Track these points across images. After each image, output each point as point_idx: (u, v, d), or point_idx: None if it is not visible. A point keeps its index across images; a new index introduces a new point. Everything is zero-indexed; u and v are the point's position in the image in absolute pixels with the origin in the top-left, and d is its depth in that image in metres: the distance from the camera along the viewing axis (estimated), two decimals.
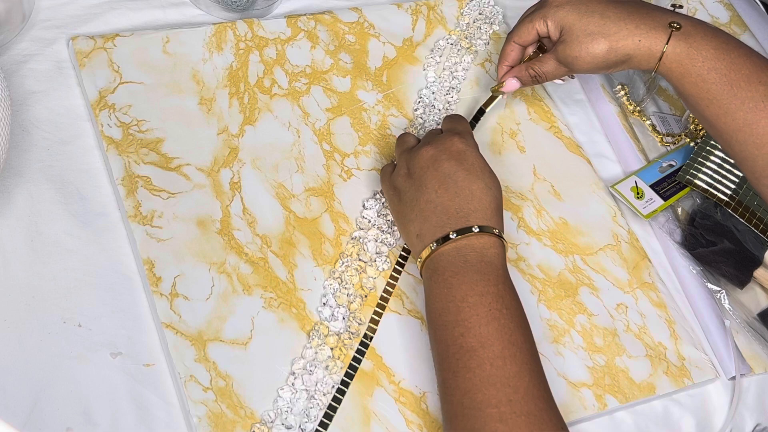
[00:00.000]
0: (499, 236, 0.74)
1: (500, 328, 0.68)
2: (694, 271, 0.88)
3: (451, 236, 0.73)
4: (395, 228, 0.82)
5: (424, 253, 0.74)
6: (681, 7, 0.83)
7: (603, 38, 0.80)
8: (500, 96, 0.90)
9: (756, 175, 0.79)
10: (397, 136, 0.84)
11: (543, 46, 0.88)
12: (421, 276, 0.75)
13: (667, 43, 0.79)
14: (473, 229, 0.73)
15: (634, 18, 0.80)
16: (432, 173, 0.76)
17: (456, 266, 0.72)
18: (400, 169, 0.79)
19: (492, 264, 0.72)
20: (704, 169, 0.91)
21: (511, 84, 0.88)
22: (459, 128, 0.81)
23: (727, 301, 0.86)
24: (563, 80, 0.88)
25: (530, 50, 0.88)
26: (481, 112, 0.90)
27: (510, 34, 0.87)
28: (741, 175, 0.90)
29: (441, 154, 0.77)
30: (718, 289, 0.87)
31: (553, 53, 0.84)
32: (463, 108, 0.93)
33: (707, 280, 0.88)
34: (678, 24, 0.79)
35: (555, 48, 0.83)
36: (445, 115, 0.91)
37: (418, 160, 0.77)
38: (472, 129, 0.89)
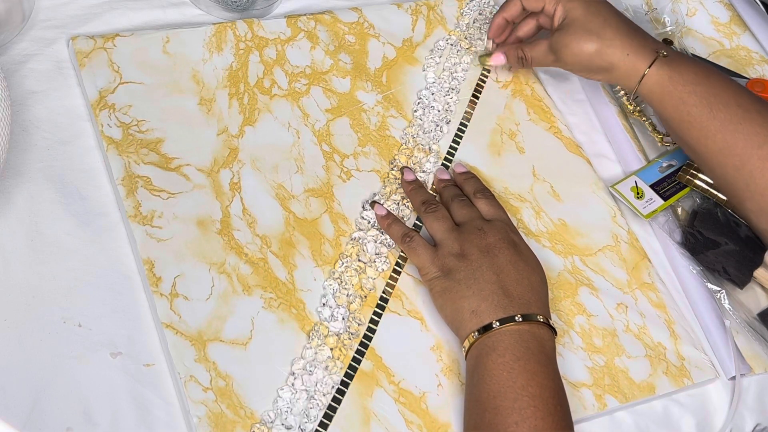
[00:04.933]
0: (555, 332, 0.75)
1: (554, 424, 0.69)
2: (694, 271, 0.88)
3: (516, 318, 0.73)
4: None
5: (477, 330, 0.73)
6: (671, 43, 0.88)
7: (597, 39, 0.85)
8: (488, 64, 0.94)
9: (738, 197, 0.82)
10: (408, 189, 0.84)
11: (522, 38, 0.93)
12: (466, 353, 0.74)
13: (651, 65, 0.83)
14: (538, 318, 0.73)
15: (630, 34, 0.85)
16: (491, 260, 0.76)
17: (519, 351, 0.71)
18: (449, 249, 0.77)
19: (550, 357, 0.73)
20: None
21: (498, 58, 0.92)
22: (504, 217, 0.82)
23: (727, 301, 0.86)
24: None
25: (513, 31, 0.93)
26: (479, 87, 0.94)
27: None
28: None
29: (500, 242, 0.77)
30: (718, 289, 0.87)
31: (547, 39, 0.88)
32: (462, 109, 0.93)
33: (707, 280, 0.88)
34: (665, 53, 0.84)
35: (551, 34, 0.88)
36: (444, 116, 0.91)
37: (473, 244, 0.77)
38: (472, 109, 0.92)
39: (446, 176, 0.86)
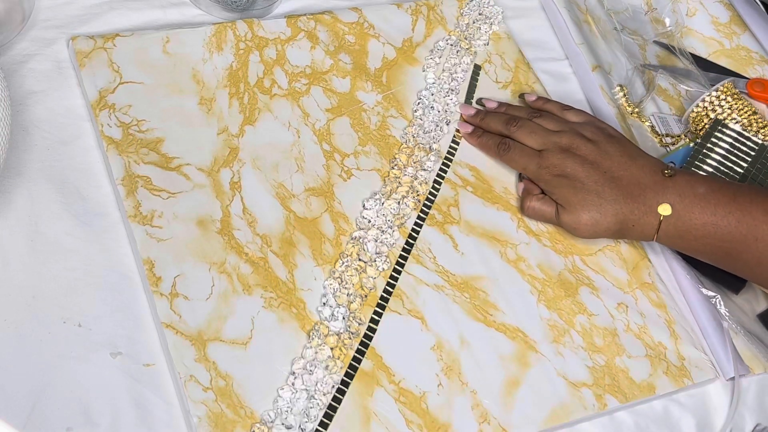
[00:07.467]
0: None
1: None
2: (689, 276, 0.88)
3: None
4: (395, 227, 0.82)
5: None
6: (673, 173, 0.83)
7: (603, 229, 0.83)
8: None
9: None
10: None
11: None
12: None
13: (657, 232, 0.82)
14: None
15: (626, 196, 0.82)
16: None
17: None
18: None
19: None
20: (703, 170, 0.91)
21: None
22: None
23: (722, 306, 0.86)
24: None
25: None
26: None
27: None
28: (739, 175, 0.90)
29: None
30: (713, 294, 0.87)
31: (555, 213, 0.85)
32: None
33: (702, 285, 0.87)
34: (668, 211, 0.81)
35: (558, 211, 0.85)
36: (444, 116, 0.91)
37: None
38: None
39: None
